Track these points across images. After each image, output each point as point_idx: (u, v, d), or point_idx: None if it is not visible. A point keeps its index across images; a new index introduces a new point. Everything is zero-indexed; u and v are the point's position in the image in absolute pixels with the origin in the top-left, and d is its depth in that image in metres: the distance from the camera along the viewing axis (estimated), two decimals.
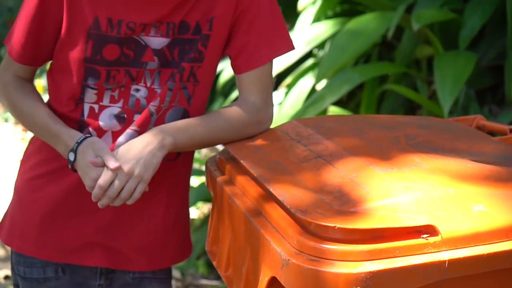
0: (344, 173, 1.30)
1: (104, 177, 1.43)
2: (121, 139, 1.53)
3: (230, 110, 1.56)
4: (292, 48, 1.60)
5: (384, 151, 1.38)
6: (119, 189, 1.44)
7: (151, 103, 1.53)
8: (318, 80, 2.92)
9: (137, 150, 1.45)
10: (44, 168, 1.60)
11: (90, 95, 1.53)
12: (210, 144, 1.57)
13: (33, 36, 1.52)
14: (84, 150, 1.47)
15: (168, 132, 1.48)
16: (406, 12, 2.96)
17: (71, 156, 1.48)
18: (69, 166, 1.50)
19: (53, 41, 1.53)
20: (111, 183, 1.43)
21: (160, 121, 1.54)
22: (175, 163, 1.59)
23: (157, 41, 1.51)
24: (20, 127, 5.12)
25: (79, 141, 1.48)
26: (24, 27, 1.52)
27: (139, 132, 1.52)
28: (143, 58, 1.51)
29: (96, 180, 1.44)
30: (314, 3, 3.26)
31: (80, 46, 1.49)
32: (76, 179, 1.54)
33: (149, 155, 1.45)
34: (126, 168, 1.43)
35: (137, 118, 1.53)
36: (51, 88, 1.60)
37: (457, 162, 1.34)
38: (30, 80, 1.61)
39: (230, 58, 1.59)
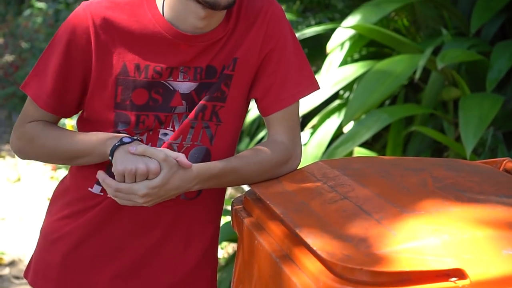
0: (371, 215, 1.30)
1: (132, 168, 1.42)
2: None
3: (259, 152, 1.56)
4: (318, 88, 1.61)
5: (411, 194, 1.38)
6: (123, 190, 1.43)
7: (172, 139, 1.54)
8: (346, 121, 2.92)
9: (166, 189, 1.45)
10: (68, 210, 1.61)
11: None
12: (237, 185, 1.58)
13: (60, 84, 1.52)
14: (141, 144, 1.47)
15: (202, 179, 1.48)
16: (433, 54, 2.97)
17: (127, 139, 1.46)
18: (112, 149, 1.45)
19: (79, 88, 1.53)
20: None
21: None
22: (196, 201, 1.60)
23: (185, 86, 1.53)
24: (49, 166, 5.16)
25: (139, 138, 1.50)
26: (52, 74, 1.51)
27: None
28: (171, 102, 1.53)
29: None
30: (342, 45, 3.28)
31: (110, 92, 1.51)
32: (98, 219, 1.56)
33: (169, 198, 1.48)
34: (143, 200, 1.44)
35: None
36: None
37: (485, 205, 1.33)
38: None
39: (256, 100, 1.61)
